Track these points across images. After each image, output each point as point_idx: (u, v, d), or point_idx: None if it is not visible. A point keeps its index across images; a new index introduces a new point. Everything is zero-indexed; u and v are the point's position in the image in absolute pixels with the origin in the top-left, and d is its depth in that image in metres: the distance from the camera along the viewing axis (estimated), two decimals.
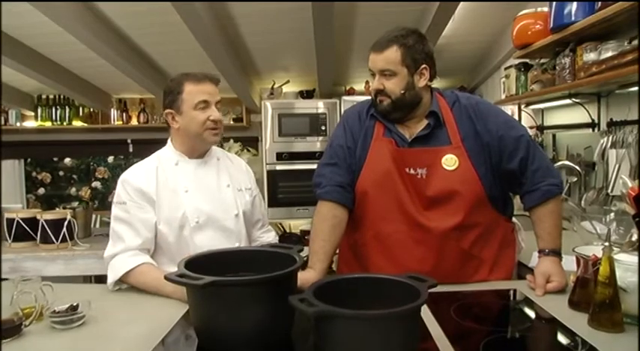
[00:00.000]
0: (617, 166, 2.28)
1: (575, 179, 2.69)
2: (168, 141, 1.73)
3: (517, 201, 2.93)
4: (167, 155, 1.70)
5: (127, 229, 1.58)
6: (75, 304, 1.26)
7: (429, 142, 1.57)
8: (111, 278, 1.55)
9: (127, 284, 1.56)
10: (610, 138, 2.38)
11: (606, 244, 1.17)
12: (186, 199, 1.62)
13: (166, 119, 1.67)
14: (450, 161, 1.54)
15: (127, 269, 1.52)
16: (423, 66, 1.55)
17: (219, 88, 1.69)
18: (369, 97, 1.67)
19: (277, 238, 1.92)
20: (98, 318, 1.29)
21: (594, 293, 1.19)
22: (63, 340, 1.17)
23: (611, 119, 2.41)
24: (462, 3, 3.08)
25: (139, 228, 1.58)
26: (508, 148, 1.55)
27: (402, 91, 1.54)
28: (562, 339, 1.17)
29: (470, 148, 1.55)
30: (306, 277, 1.34)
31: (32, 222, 2.76)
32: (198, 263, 1.15)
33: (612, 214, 2.04)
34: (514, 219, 1.72)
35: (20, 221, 2.75)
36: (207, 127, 1.63)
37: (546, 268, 1.48)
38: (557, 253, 1.52)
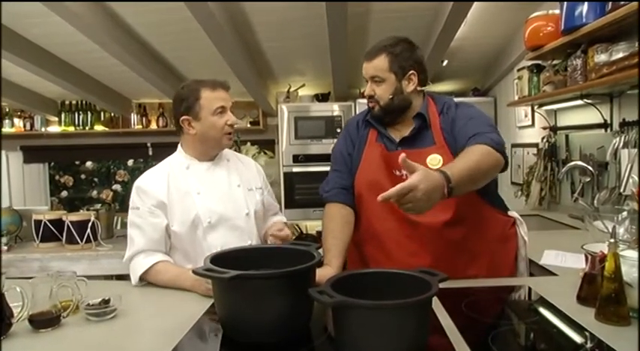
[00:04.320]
0: (629, 165, 2.30)
1: (588, 179, 2.71)
2: (179, 146, 1.79)
3: (519, 200, 2.91)
4: (178, 160, 1.76)
5: (138, 232, 1.66)
6: (107, 298, 1.34)
7: (415, 144, 1.65)
8: (133, 280, 1.65)
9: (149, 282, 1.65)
10: (622, 138, 2.40)
11: (612, 240, 1.21)
12: (199, 201, 1.69)
13: (182, 125, 1.70)
14: (434, 160, 1.60)
15: (143, 270, 1.61)
16: (411, 72, 1.62)
17: (232, 92, 1.76)
18: None
19: (284, 218, 2.04)
20: (128, 311, 1.37)
21: (601, 288, 1.22)
22: (98, 330, 1.25)
23: (624, 119, 2.44)
24: (474, 6, 3.11)
25: (147, 231, 1.65)
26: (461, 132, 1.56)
27: (390, 96, 1.63)
28: (569, 332, 1.21)
29: (452, 147, 1.60)
30: (323, 273, 1.40)
31: (58, 223, 2.87)
32: (223, 259, 1.22)
33: (624, 213, 2.06)
34: (514, 213, 1.76)
35: (47, 222, 2.87)
36: (225, 132, 1.70)
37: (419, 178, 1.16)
38: (445, 176, 1.24)
